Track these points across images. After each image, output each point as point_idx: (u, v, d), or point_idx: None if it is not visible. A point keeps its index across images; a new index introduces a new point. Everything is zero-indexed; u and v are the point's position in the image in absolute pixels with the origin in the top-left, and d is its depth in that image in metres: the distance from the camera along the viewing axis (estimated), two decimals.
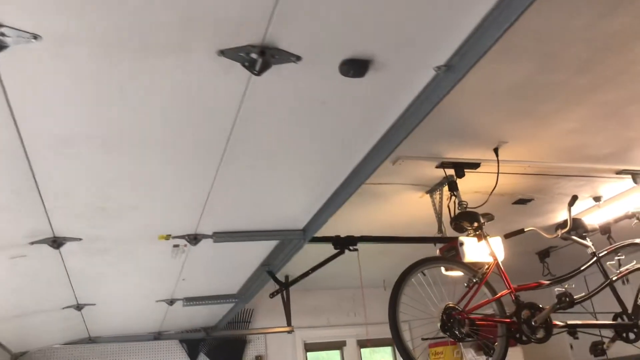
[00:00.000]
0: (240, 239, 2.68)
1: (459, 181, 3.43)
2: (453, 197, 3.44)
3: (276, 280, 3.27)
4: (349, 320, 6.42)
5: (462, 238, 3.15)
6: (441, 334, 2.74)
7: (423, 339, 2.91)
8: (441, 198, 3.67)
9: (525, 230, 3.40)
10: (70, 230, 2.37)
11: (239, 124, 1.70)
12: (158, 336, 5.09)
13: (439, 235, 3.65)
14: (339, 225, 4.20)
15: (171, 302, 3.86)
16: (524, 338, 2.85)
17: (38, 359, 5.21)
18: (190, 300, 3.89)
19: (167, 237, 2.55)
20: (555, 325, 2.89)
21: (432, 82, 1.59)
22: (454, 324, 2.69)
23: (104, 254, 2.72)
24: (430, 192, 3.74)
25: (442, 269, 3.14)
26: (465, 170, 3.37)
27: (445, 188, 3.53)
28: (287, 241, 2.88)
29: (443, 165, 3.34)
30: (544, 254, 5.71)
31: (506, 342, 2.93)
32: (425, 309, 2.81)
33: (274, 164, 2.05)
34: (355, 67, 1.47)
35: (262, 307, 6.06)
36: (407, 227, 4.37)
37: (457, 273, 3.09)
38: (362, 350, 6.39)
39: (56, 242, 2.42)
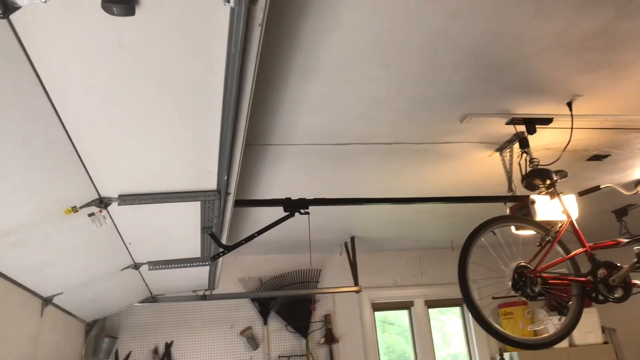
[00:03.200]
0: (149, 201, 2.53)
1: (530, 138, 3.32)
2: (524, 155, 3.34)
3: (218, 243, 3.20)
4: (416, 281, 6.45)
5: (534, 196, 3.07)
6: (512, 293, 2.71)
7: (494, 298, 2.89)
8: (511, 156, 3.56)
9: (601, 187, 3.27)
10: None
11: (46, 79, 1.54)
12: (152, 300, 5.15)
13: (510, 194, 3.57)
14: (406, 185, 4.20)
15: (136, 266, 3.79)
16: (601, 297, 2.78)
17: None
18: (154, 264, 3.84)
19: (74, 209, 2.41)
20: (635, 284, 2.80)
21: (232, 18, 1.41)
22: (526, 282, 2.66)
23: (25, 246, 2.59)
24: (500, 149, 3.63)
25: (513, 228, 3.10)
26: (536, 126, 3.25)
27: (516, 145, 3.42)
28: (210, 203, 2.71)
29: (513, 121, 3.22)
30: (621, 213, 5.46)
31: (581, 301, 2.87)
32: (496, 269, 2.79)
33: (133, 122, 1.89)
34: (118, 2, 1.27)
35: (329, 267, 6.17)
36: (476, 186, 4.30)
37: (529, 232, 3.04)
38: (430, 310, 6.42)
39: None
